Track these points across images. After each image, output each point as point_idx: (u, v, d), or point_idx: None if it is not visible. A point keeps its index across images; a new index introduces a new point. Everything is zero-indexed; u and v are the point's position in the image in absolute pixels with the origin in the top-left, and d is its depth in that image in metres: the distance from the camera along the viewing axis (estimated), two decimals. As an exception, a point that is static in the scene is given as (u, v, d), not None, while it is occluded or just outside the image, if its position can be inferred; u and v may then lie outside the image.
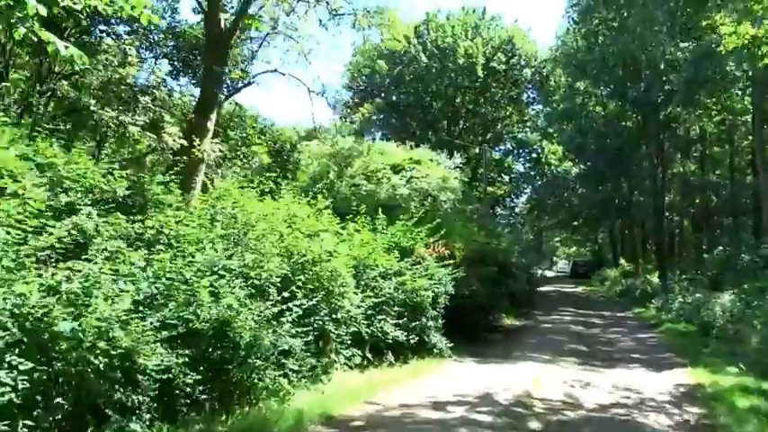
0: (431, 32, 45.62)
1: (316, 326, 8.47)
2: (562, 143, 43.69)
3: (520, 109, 50.54)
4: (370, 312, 10.15)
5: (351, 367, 9.52)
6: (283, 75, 14.88)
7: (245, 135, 14.67)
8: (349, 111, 49.80)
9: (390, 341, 10.47)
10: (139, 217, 7.71)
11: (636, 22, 28.74)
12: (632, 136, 37.31)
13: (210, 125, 11.11)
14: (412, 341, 11.10)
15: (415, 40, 45.41)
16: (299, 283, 8.45)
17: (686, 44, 28.56)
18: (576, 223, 54.44)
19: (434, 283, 12.06)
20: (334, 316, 8.85)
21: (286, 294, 8.00)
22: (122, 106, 11.71)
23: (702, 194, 38.96)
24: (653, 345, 16.44)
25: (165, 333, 5.97)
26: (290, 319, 7.78)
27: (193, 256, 7.28)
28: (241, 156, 14.29)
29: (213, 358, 6.56)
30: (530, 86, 47.65)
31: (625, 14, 31.49)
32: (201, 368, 6.30)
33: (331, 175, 19.22)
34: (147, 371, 5.59)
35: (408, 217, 13.09)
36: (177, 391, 6.03)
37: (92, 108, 11.24)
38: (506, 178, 56.54)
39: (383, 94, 48.51)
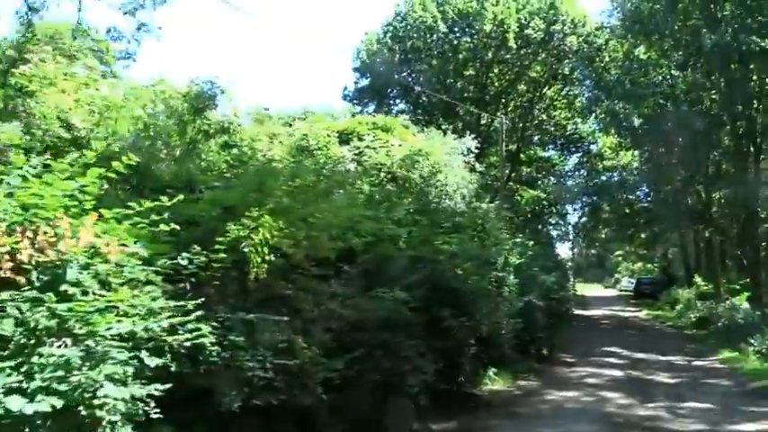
0: (453, -2, 37.37)
1: None
2: (610, 123, 34.28)
3: (566, 92, 41.27)
4: None
5: None
6: None
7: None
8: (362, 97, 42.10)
9: None
10: None
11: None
12: (709, 115, 28.07)
13: None
14: None
15: (434, 7, 37.33)
16: None
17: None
18: (641, 234, 45.12)
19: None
20: None
21: None
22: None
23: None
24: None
25: None
26: None
27: None
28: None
29: None
30: (576, 60, 38.34)
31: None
32: None
33: (189, 131, 11.37)
34: None
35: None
36: None
37: None
38: (554, 181, 47.26)
39: (395, 76, 40.33)
